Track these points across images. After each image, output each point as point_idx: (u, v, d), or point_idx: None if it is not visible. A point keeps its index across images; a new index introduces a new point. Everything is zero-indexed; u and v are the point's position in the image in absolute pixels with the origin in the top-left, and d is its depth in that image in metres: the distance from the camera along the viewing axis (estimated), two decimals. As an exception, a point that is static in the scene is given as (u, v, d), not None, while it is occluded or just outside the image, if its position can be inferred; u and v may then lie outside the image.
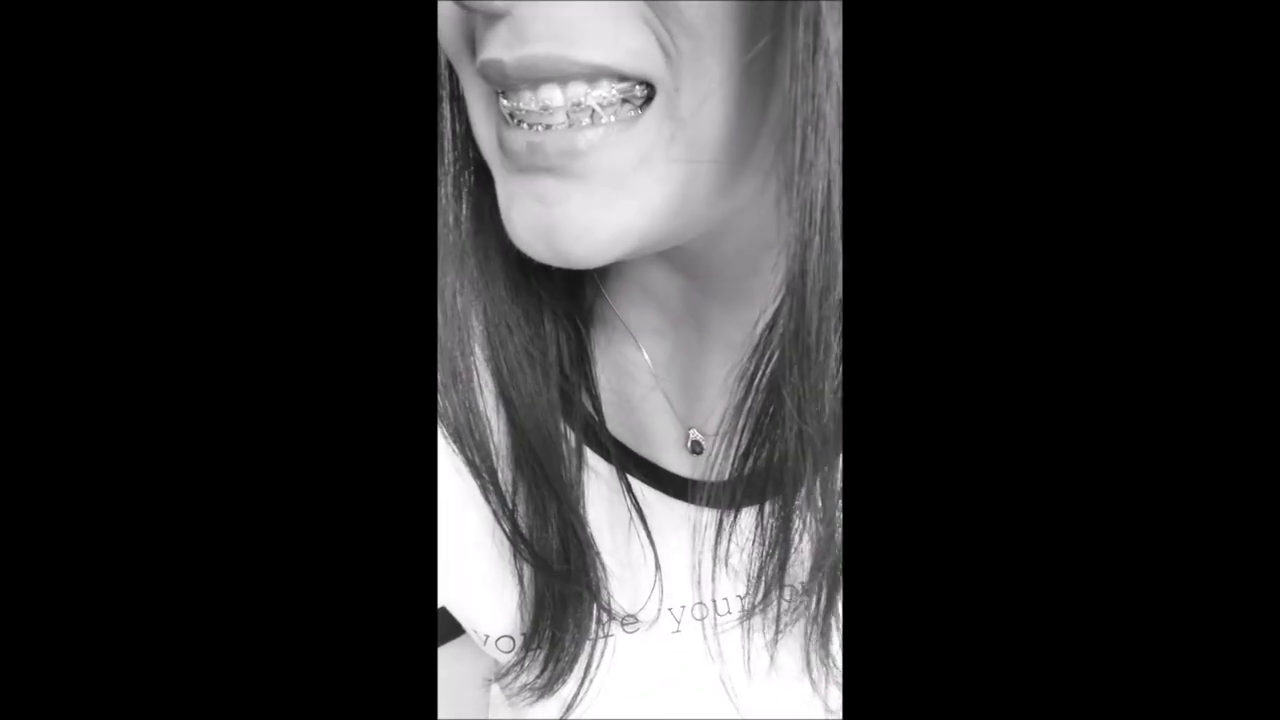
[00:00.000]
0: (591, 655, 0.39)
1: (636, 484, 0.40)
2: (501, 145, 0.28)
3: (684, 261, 0.36)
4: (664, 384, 0.41)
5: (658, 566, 0.39)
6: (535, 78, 0.26)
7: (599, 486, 0.39)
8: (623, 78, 0.26)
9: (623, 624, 0.39)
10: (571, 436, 0.38)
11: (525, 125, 0.27)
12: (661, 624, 0.40)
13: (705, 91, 0.26)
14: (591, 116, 0.26)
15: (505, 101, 0.28)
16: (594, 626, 0.38)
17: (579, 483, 0.38)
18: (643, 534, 0.39)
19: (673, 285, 0.38)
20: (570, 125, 0.26)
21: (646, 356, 0.41)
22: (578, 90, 0.26)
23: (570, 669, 0.39)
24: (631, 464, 0.40)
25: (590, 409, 0.39)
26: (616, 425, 0.40)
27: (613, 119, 0.26)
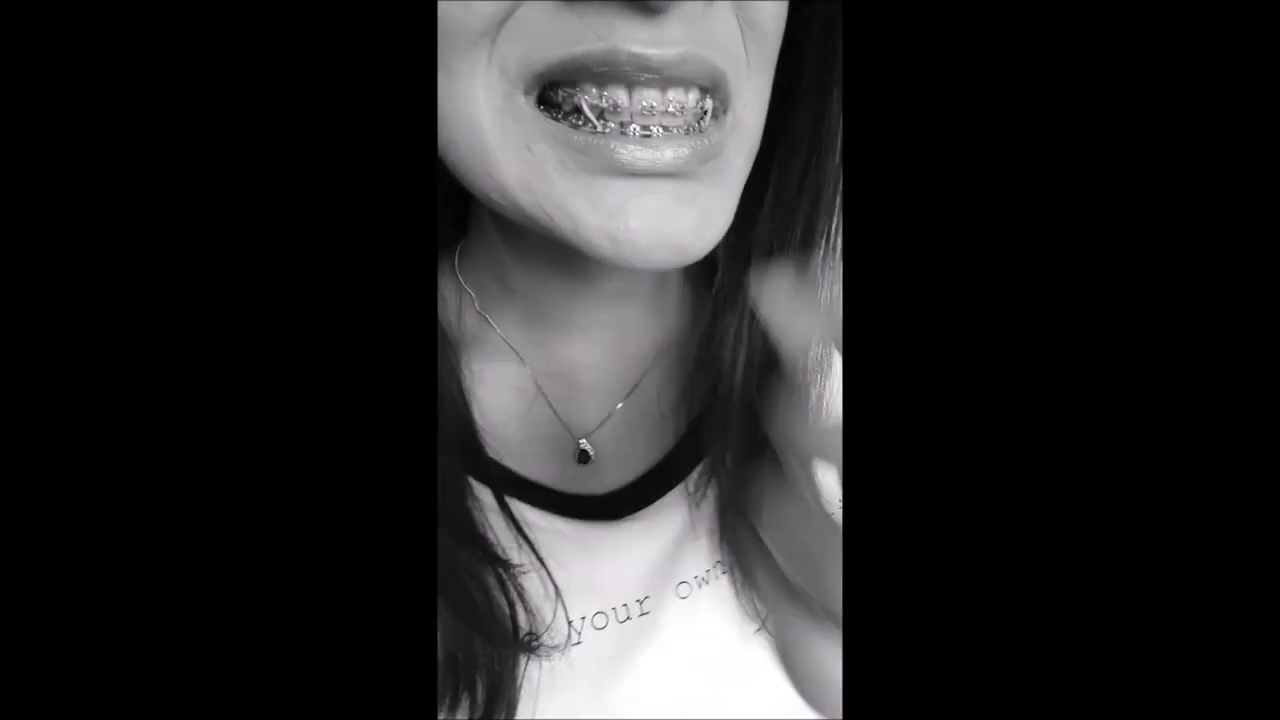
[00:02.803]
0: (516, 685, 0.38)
1: (526, 509, 0.38)
2: (583, 152, 0.27)
3: (602, 273, 0.36)
4: (548, 395, 0.40)
5: (557, 590, 0.38)
6: (663, 76, 0.26)
7: (486, 514, 0.38)
8: (702, 88, 0.27)
9: (529, 649, 0.38)
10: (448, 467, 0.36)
11: (586, 126, 0.27)
12: (574, 639, 0.39)
13: (758, 101, 0.28)
14: (659, 124, 0.27)
15: (559, 95, 0.27)
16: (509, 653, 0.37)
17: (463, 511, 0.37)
18: (532, 556, 0.38)
19: (572, 297, 0.38)
20: (642, 130, 0.27)
21: (530, 370, 0.40)
22: (649, 95, 0.26)
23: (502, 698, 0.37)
24: (513, 486, 0.39)
25: (468, 433, 0.38)
26: (500, 445, 0.39)
27: (679, 128, 0.27)
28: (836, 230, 0.35)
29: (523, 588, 0.37)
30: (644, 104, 0.27)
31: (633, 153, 0.26)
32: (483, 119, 0.27)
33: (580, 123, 0.27)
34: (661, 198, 0.27)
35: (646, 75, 0.26)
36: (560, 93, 0.27)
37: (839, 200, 0.35)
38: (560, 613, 0.38)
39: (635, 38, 0.25)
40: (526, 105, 0.27)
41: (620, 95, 0.27)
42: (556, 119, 0.27)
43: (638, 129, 0.27)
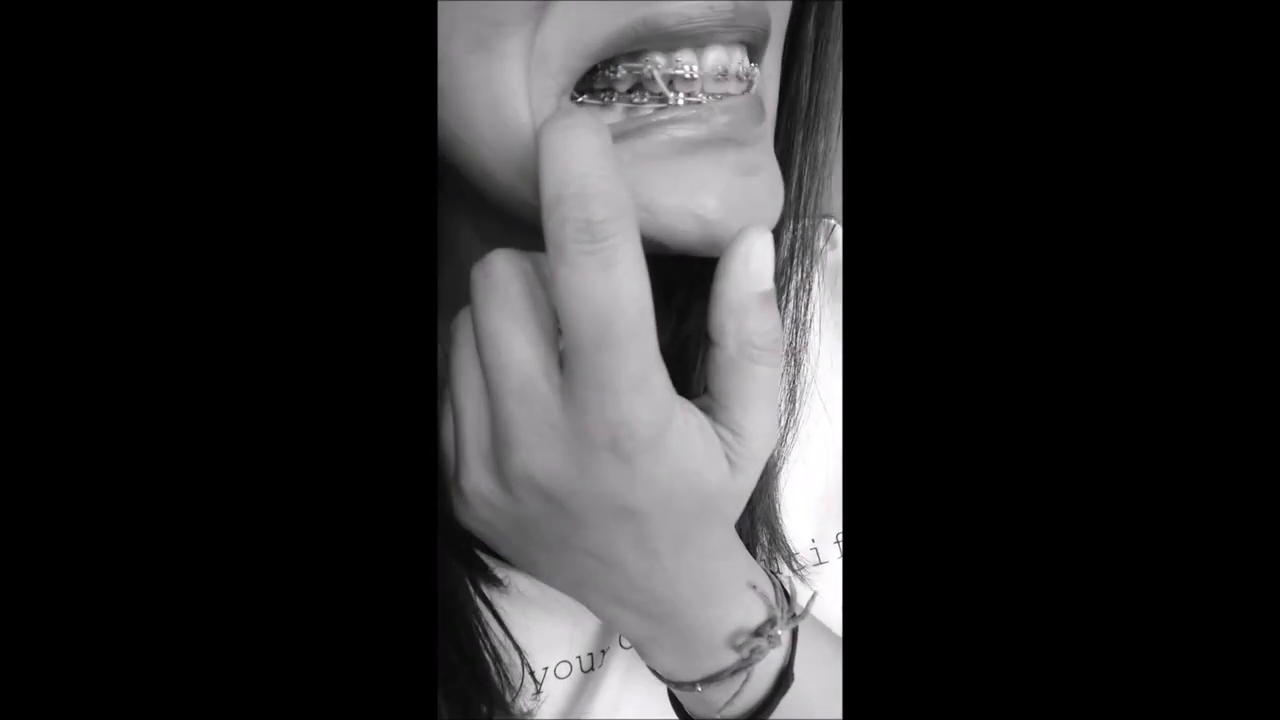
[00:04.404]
0: None
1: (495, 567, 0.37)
2: (640, 135, 0.25)
3: None
4: None
5: (525, 663, 0.36)
6: (738, 26, 0.25)
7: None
8: (750, 47, 0.27)
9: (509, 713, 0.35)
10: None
11: (649, 101, 0.26)
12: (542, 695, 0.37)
13: (775, 60, 0.28)
14: (723, 90, 0.26)
15: (619, 72, 0.25)
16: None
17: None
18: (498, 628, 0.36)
19: None
20: (700, 98, 0.26)
21: None
22: (718, 56, 0.26)
23: None
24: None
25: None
26: None
27: (725, 92, 0.26)
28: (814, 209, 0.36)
29: (498, 652, 0.35)
30: (716, 67, 0.26)
31: (700, 120, 0.25)
32: (523, 112, 0.25)
33: (642, 99, 0.26)
34: (731, 169, 0.26)
35: (723, 27, 0.25)
36: (620, 69, 0.26)
37: (829, 182, 0.36)
38: (527, 675, 0.37)
39: None
40: (565, 101, 0.25)
41: (689, 59, 0.25)
42: (604, 102, 0.26)
43: (710, 97, 0.26)
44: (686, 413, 0.25)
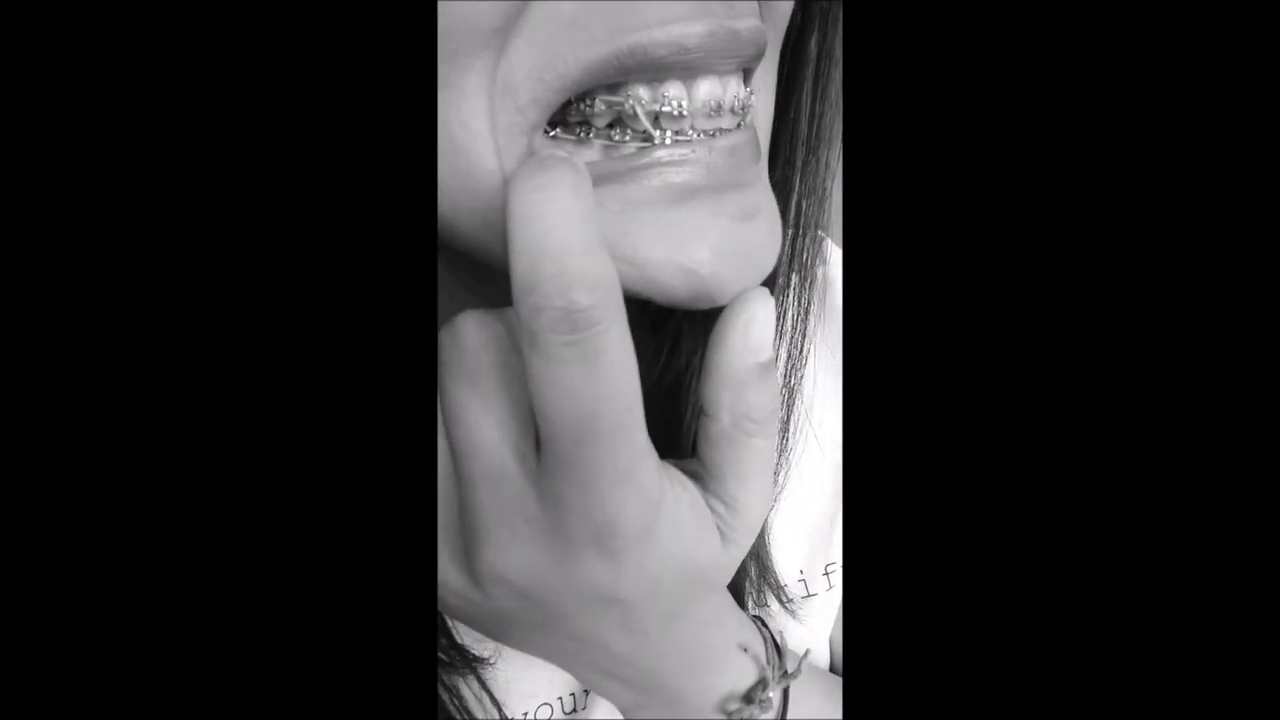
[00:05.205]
0: None
1: None
2: (628, 179, 0.22)
3: None
4: None
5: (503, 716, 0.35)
6: (736, 55, 0.22)
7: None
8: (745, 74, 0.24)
9: None
10: None
11: (632, 140, 0.23)
12: None
13: (770, 87, 0.25)
14: (716, 126, 0.23)
15: (596, 106, 0.23)
16: None
17: None
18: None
19: None
20: (690, 135, 0.23)
21: None
22: (711, 89, 0.23)
23: None
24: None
25: None
26: None
27: (731, 128, 0.24)
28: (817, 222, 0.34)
29: (472, 711, 0.34)
30: (709, 101, 0.23)
31: (698, 163, 0.22)
32: (487, 157, 0.22)
33: (622, 136, 0.23)
34: (729, 216, 0.23)
35: (721, 57, 0.22)
36: (597, 103, 0.22)
37: (830, 203, 0.34)
38: None
39: (709, 11, 0.21)
40: (538, 137, 0.22)
41: (678, 91, 0.22)
42: (580, 138, 0.23)
43: (702, 134, 0.23)
44: (676, 490, 0.24)
